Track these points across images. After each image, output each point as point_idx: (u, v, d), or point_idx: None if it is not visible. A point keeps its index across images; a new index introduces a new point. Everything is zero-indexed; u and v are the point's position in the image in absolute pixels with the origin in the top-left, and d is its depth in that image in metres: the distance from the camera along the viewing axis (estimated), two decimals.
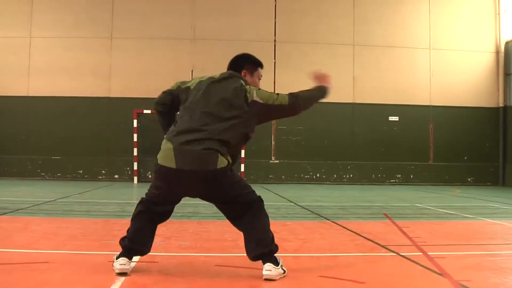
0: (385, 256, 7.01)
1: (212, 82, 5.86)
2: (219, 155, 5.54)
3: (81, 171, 26.73)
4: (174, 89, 6.07)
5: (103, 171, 26.78)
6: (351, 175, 28.12)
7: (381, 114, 28.16)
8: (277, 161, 27.73)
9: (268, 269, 5.56)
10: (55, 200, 14.89)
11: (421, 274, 5.96)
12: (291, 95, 5.96)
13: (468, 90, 29.01)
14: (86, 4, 27.40)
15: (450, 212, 13.60)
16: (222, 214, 12.20)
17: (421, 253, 7.00)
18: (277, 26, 28.18)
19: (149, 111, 25.68)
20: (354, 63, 28.33)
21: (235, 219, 6.04)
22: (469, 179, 29.02)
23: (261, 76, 6.35)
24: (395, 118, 28.36)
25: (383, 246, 7.61)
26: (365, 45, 28.49)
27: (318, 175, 27.87)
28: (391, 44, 28.67)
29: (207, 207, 13.89)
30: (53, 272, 5.68)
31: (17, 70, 26.85)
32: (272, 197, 17.93)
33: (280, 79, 27.70)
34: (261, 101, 5.77)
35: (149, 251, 5.97)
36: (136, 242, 5.78)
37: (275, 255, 5.75)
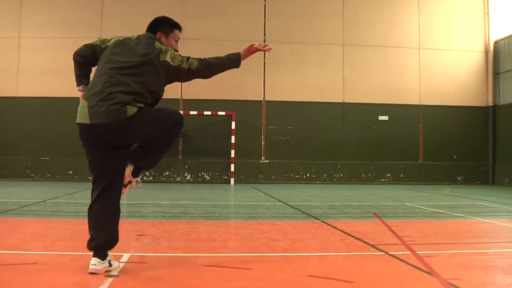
0: (374, 255, 7.01)
1: (126, 42, 6.07)
2: (127, 106, 5.66)
3: (70, 172, 26.68)
4: (96, 45, 6.12)
5: None
6: (341, 175, 28.16)
7: (371, 113, 28.23)
8: (267, 161, 27.74)
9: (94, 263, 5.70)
10: (44, 201, 14.85)
11: (410, 273, 5.97)
12: (201, 61, 6.10)
13: (458, 89, 29.10)
14: (75, 5, 27.35)
15: (440, 211, 13.62)
16: (211, 214, 12.21)
17: (410, 252, 7.01)
18: (267, 26, 28.21)
19: None
20: (344, 63, 28.38)
21: None
22: (458, 178, 29.12)
23: (178, 38, 6.42)
24: (385, 118, 28.42)
25: (372, 246, 7.61)
26: (355, 45, 28.55)
27: (308, 174, 27.90)
28: (381, 44, 28.73)
29: (197, 207, 13.94)
30: (41, 273, 5.65)
31: (6, 70, 26.78)
32: (262, 197, 17.95)
33: (270, 79, 27.77)
34: (172, 63, 5.94)
35: (113, 239, 5.85)
36: (94, 238, 5.76)
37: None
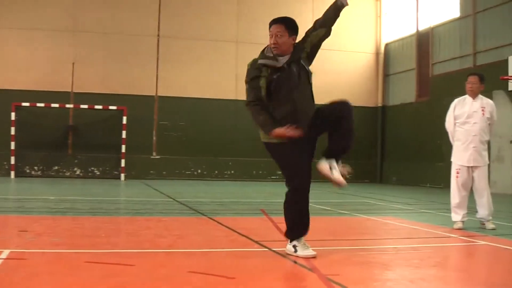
0: (257, 251, 7.07)
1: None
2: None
3: None
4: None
5: None
6: (233, 171, 28.29)
7: None
8: (158, 157, 27.61)
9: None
10: None
11: (291, 269, 6.06)
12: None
13: (348, 89, 29.65)
14: None
15: (326, 208, 13.82)
16: (98, 210, 12.04)
17: None
18: (161, 21, 28.05)
19: (27, 104, 25.17)
20: (237, 60, 28.48)
21: None
22: (347, 176, 29.59)
23: (270, 32, 7.17)
24: None
25: (256, 242, 7.67)
26: (248, 42, 28.67)
27: (199, 171, 27.92)
28: None
29: (84, 203, 13.74)
30: None
31: None
32: (151, 193, 17.86)
33: (163, 74, 27.64)
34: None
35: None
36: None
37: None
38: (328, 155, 6.90)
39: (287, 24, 6.91)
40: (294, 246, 6.65)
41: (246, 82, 6.74)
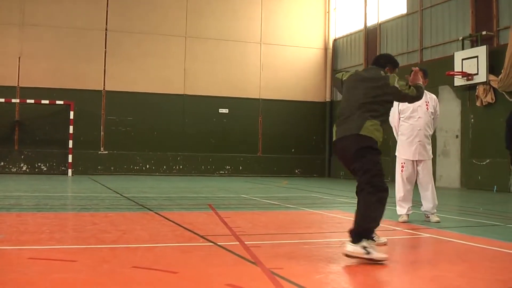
0: (202, 246, 7.04)
1: (357, 75, 7.01)
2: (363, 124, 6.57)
3: None
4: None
5: None
6: (181, 166, 28.21)
7: (211, 106, 28.43)
8: (106, 152, 27.40)
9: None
10: None
11: (234, 263, 6.04)
12: (416, 88, 6.98)
13: (297, 84, 29.81)
14: None
15: (274, 202, 13.89)
16: (43, 206, 11.90)
17: (238, 243, 7.09)
18: (109, 15, 27.82)
19: None
20: (186, 54, 28.42)
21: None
22: (296, 171, 29.83)
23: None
24: (225, 111, 28.70)
25: (201, 236, 7.65)
26: (197, 37, 28.64)
27: (147, 166, 27.78)
28: (224, 37, 28.96)
29: (30, 199, 13.57)
30: None
31: None
32: (98, 188, 17.73)
33: (111, 69, 27.41)
34: (399, 88, 6.80)
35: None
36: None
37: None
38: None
39: None
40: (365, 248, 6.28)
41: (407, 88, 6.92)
